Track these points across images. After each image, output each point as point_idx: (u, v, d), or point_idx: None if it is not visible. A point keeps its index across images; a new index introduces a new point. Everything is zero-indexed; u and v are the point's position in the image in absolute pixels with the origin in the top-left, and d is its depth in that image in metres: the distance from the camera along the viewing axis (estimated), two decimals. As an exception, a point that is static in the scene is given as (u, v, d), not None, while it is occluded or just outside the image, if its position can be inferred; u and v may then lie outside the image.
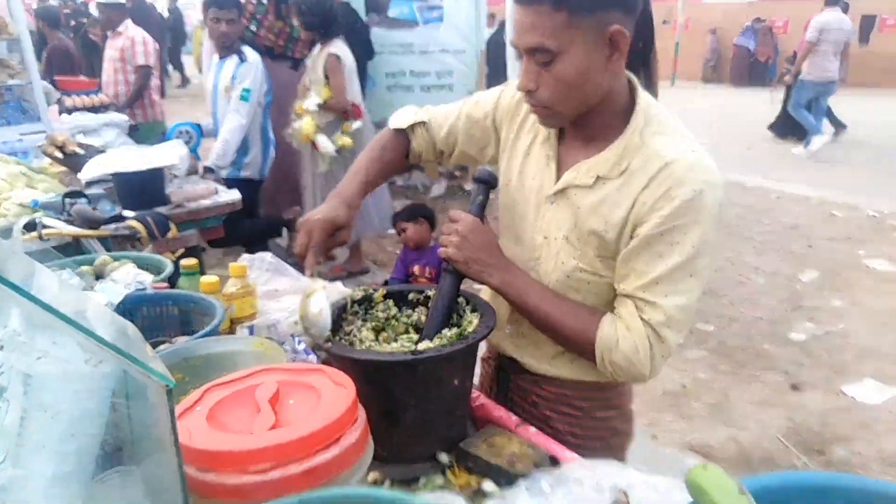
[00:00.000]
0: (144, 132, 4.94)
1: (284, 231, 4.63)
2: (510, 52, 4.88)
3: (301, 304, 1.04)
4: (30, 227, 2.13)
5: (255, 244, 4.00)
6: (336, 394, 0.79)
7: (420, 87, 5.84)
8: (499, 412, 1.19)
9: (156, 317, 1.33)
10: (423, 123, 1.34)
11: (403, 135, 1.35)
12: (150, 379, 0.61)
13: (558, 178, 1.12)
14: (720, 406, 2.91)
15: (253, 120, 3.77)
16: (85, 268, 1.55)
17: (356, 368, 1.03)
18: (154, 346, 1.23)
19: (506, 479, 0.98)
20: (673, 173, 1.00)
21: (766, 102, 9.98)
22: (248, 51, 3.70)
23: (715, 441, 2.65)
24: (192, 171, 3.44)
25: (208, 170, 3.56)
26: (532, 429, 1.12)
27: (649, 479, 0.87)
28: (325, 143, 3.82)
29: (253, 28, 4.53)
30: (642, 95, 1.07)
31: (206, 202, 2.90)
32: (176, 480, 0.64)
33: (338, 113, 3.92)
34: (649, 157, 1.02)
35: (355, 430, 0.75)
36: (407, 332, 1.17)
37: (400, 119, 1.34)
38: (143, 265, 1.64)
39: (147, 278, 1.17)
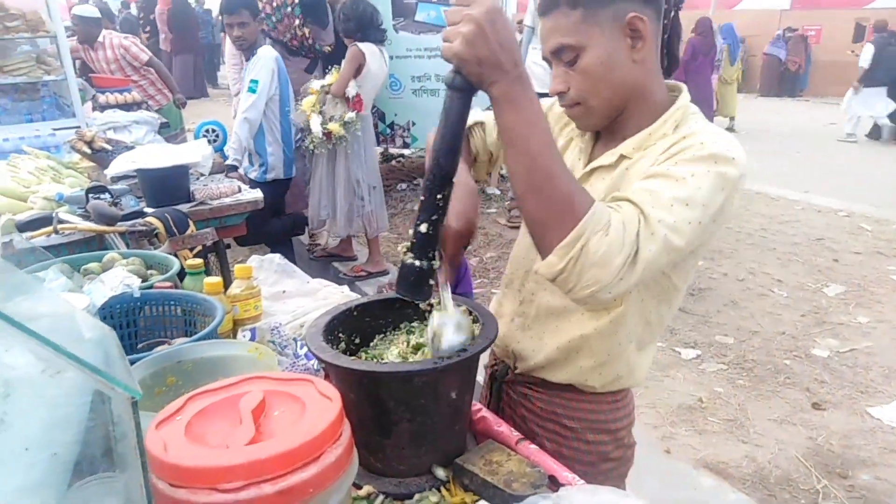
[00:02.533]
0: (166, 113, 5.05)
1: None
2: (530, 58, 4.83)
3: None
4: (48, 221, 2.15)
5: (279, 243, 4.03)
6: (321, 407, 0.76)
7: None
8: (500, 427, 1.14)
9: (158, 316, 1.31)
10: (481, 124, 1.32)
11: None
12: (114, 390, 0.57)
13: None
14: (737, 422, 2.82)
15: (269, 118, 3.78)
16: (93, 265, 1.54)
17: (350, 378, 0.99)
18: (153, 346, 1.21)
19: (501, 499, 0.94)
20: (697, 136, 0.98)
21: (795, 112, 9.85)
22: (263, 48, 3.72)
23: (730, 458, 2.57)
24: (218, 170, 3.47)
25: (232, 168, 3.58)
26: (533, 446, 1.08)
27: (651, 508, 0.82)
28: (315, 125, 3.84)
29: (271, 22, 4.57)
30: (685, 100, 1.06)
31: (228, 200, 2.93)
32: (141, 496, 0.61)
33: (340, 99, 3.93)
34: (675, 136, 1.01)
35: (337, 448, 0.71)
36: (408, 342, 1.12)
37: None
38: (152, 263, 1.63)
39: (135, 282, 1.15)
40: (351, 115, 3.96)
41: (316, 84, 3.90)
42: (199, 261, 1.39)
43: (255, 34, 3.67)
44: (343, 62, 3.86)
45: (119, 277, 1.13)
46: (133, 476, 0.62)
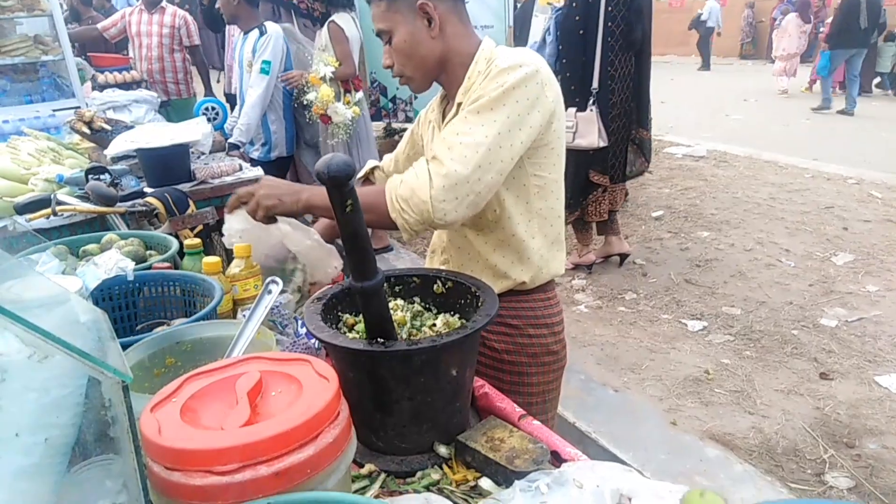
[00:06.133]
0: (180, 107, 4.97)
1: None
2: (534, 27, 4.74)
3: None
4: (46, 203, 2.14)
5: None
6: (318, 387, 0.75)
7: (448, 63, 5.73)
8: (502, 403, 1.14)
9: (158, 297, 1.30)
10: (377, 167, 1.63)
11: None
12: (104, 374, 0.56)
13: None
14: (744, 393, 2.82)
15: (274, 95, 3.74)
16: (92, 246, 1.53)
17: (348, 357, 0.98)
18: (152, 328, 1.21)
19: (504, 476, 0.93)
20: (494, 61, 1.22)
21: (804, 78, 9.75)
22: (268, 24, 3.67)
23: (737, 430, 2.57)
24: (219, 148, 3.44)
25: (234, 146, 3.55)
26: (535, 422, 1.07)
27: (653, 484, 0.81)
28: (343, 111, 3.79)
29: None
30: (485, 47, 1.30)
31: (229, 179, 2.91)
32: (135, 479, 0.60)
33: (343, 82, 3.91)
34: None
35: (335, 428, 0.70)
36: (405, 321, 1.11)
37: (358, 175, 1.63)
38: (151, 244, 1.62)
39: (129, 264, 1.14)
40: (360, 94, 3.94)
41: (323, 70, 3.79)
42: (198, 241, 1.37)
43: (229, 7, 3.59)
44: (328, 45, 3.81)
45: (113, 260, 1.12)
46: (127, 459, 0.61)
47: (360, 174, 1.64)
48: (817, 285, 3.83)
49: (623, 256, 4.16)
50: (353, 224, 0.86)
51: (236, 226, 1.35)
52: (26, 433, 0.64)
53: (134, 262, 1.21)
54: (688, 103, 10.48)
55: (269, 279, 1.02)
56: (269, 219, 1.29)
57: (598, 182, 3.80)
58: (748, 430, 2.57)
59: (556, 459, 0.99)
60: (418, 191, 1.15)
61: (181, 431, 0.68)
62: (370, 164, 1.66)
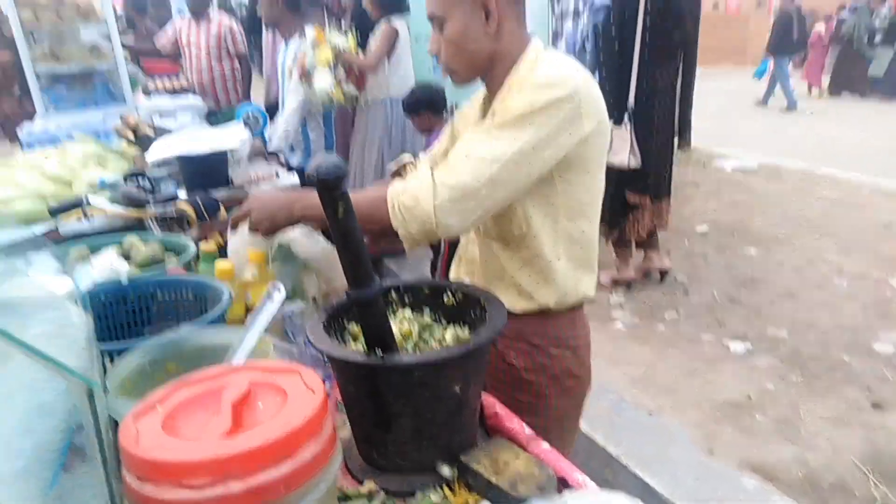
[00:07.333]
0: (229, 116, 5.07)
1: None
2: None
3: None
4: (80, 206, 2.19)
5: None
6: (302, 400, 0.71)
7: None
8: (512, 424, 1.08)
9: (171, 302, 1.30)
10: (411, 163, 1.57)
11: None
12: (69, 378, 0.54)
13: None
14: (788, 421, 2.66)
15: (313, 102, 3.77)
16: (112, 248, 1.55)
17: (347, 370, 0.95)
18: (161, 331, 1.20)
19: (505, 501, 0.88)
20: (535, 71, 1.16)
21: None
22: (308, 30, 3.70)
23: (779, 460, 2.42)
24: (258, 154, 3.49)
25: (273, 154, 3.60)
26: (544, 444, 1.01)
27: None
28: (326, 79, 3.53)
29: None
30: (532, 49, 1.22)
31: (265, 185, 2.94)
32: (102, 489, 0.58)
33: (354, 66, 3.84)
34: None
35: (315, 445, 0.67)
36: (411, 333, 1.07)
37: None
38: (171, 247, 1.63)
39: (124, 266, 1.14)
40: (353, 91, 3.82)
41: (337, 40, 3.64)
42: (213, 245, 1.37)
43: (272, 11, 3.58)
44: (376, 38, 3.79)
45: (108, 261, 1.12)
46: (94, 467, 0.59)
47: (393, 169, 1.64)
48: (872, 308, 3.61)
49: (663, 273, 4.02)
50: (346, 229, 0.83)
51: (241, 240, 1.35)
52: (14, 435, 0.63)
53: (128, 264, 1.21)
54: (742, 114, 10.18)
55: (271, 285, 1.00)
56: (270, 234, 1.28)
57: (636, 203, 3.68)
58: (791, 461, 2.42)
59: (564, 486, 0.93)
60: (422, 201, 1.12)
61: (158, 441, 0.66)
62: (404, 157, 1.61)
